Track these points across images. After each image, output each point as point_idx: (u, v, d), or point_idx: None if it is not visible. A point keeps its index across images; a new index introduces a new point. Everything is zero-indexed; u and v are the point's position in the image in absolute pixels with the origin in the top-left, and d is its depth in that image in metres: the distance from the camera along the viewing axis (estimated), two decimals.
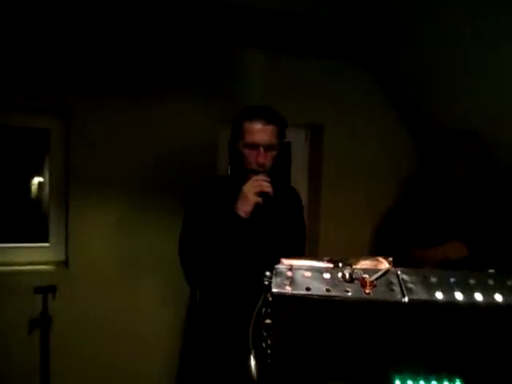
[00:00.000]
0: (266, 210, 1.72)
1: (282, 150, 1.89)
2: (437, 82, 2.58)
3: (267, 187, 1.67)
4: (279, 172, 1.90)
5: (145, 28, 2.39)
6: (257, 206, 1.67)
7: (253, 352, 1.08)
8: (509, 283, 0.95)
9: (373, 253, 2.78)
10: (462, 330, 0.93)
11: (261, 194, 1.66)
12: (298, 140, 3.04)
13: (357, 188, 2.90)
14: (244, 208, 1.65)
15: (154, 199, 2.45)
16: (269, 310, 1.00)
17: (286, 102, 2.53)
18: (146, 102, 2.44)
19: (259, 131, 1.72)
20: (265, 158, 1.73)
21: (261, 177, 1.69)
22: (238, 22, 2.56)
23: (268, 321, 1.01)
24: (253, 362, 1.08)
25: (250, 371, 1.09)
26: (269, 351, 1.04)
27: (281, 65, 2.67)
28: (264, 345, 1.05)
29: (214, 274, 1.69)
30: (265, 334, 1.03)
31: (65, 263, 2.43)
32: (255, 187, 1.66)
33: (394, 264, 1.08)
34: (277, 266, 1.02)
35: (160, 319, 2.50)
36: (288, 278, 0.99)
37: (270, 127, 1.73)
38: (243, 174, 1.76)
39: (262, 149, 1.72)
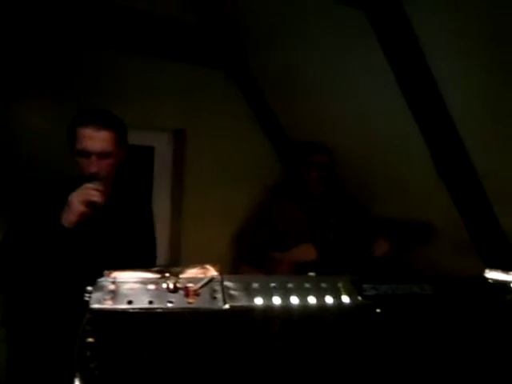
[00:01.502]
0: (100, 220, 1.63)
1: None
2: (293, 94, 2.73)
3: (96, 196, 1.54)
4: (125, 180, 1.82)
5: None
6: (88, 215, 1.55)
7: (78, 375, 1.01)
8: (323, 285, 1.01)
9: (234, 256, 2.87)
10: (280, 332, 0.97)
11: (90, 203, 1.55)
12: (161, 144, 2.99)
13: (219, 192, 2.95)
14: (68, 218, 1.52)
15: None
16: (90, 328, 0.94)
17: (146, 106, 2.48)
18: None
19: (91, 138, 1.60)
20: (98, 167, 1.62)
21: (91, 185, 1.57)
22: (94, 21, 2.45)
23: (91, 339, 0.96)
24: None
25: None
26: (96, 372, 0.99)
27: (138, 67, 2.61)
28: (91, 366, 1.00)
29: (30, 288, 1.56)
30: (89, 353, 0.98)
31: None
32: (82, 196, 1.54)
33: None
34: (98, 280, 0.98)
35: None
36: (110, 291, 0.95)
37: (103, 133, 1.62)
38: (79, 181, 1.62)
39: (94, 157, 1.61)
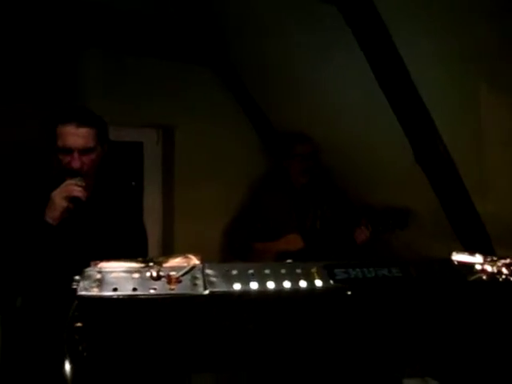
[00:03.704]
0: (84, 214, 1.67)
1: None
2: (275, 86, 2.78)
3: (77, 191, 1.59)
4: (108, 175, 1.87)
5: None
6: (71, 211, 1.60)
7: (67, 356, 1.07)
8: (297, 271, 1.07)
9: (225, 249, 2.94)
10: (257, 315, 1.03)
11: (73, 198, 1.59)
12: (149, 140, 3.05)
13: (209, 187, 3.00)
14: (51, 214, 1.57)
15: None
16: (77, 314, 1.00)
17: (134, 103, 2.53)
18: None
19: (72, 134, 1.65)
20: (79, 162, 1.66)
21: (72, 181, 1.62)
22: (81, 20, 2.48)
23: (79, 324, 1.02)
24: (67, 367, 1.08)
25: (65, 376, 1.08)
26: (85, 354, 1.05)
27: (126, 65, 2.66)
28: (80, 348, 1.06)
29: (19, 283, 1.62)
30: (77, 337, 1.04)
31: None
32: (64, 192, 1.59)
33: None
34: (85, 269, 1.03)
35: None
36: (96, 280, 1.01)
37: (84, 130, 1.66)
38: (62, 177, 1.67)
39: (75, 153, 1.66)
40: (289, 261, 1.16)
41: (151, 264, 1.08)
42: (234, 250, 2.76)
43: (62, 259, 1.60)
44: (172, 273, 1.04)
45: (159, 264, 1.08)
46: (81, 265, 1.17)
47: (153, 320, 1.01)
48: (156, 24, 2.72)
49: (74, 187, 1.60)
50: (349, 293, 1.03)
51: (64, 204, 1.58)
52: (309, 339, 1.06)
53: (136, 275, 1.03)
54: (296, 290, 1.03)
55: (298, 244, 2.43)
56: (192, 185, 2.97)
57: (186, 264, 1.12)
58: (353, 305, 1.05)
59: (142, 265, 1.08)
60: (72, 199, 1.59)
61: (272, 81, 2.81)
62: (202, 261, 1.14)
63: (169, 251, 2.98)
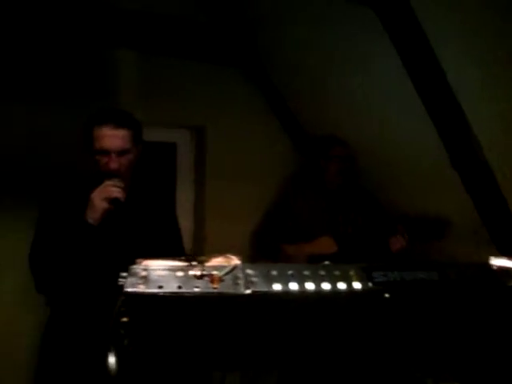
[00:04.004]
0: (123, 214, 1.70)
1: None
2: (305, 87, 2.80)
3: (116, 192, 1.62)
4: (145, 175, 1.90)
5: (15, 29, 2.29)
6: (110, 211, 1.64)
7: (112, 350, 1.12)
8: (336, 273, 1.10)
9: (253, 248, 2.96)
10: (296, 316, 1.06)
11: (112, 199, 1.63)
12: (182, 141, 3.10)
13: (239, 187, 3.03)
14: (92, 215, 1.61)
15: (11, 199, 2.37)
16: (123, 309, 1.05)
17: (167, 104, 2.58)
18: (14, 101, 2.34)
19: (109, 136, 1.68)
20: (117, 164, 1.70)
21: (111, 182, 1.65)
22: (112, 24, 2.56)
23: (125, 319, 1.07)
24: (112, 360, 1.12)
25: (110, 369, 1.13)
26: (130, 348, 1.10)
27: (159, 66, 2.72)
28: (125, 342, 1.11)
29: (64, 282, 1.66)
30: (123, 331, 1.09)
31: None
32: (103, 193, 1.62)
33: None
34: (131, 267, 1.08)
35: (16, 323, 2.41)
36: (142, 277, 1.05)
37: (120, 131, 1.69)
38: (99, 178, 1.71)
39: (113, 155, 1.69)
40: (326, 262, 1.19)
41: (194, 263, 1.12)
42: (262, 249, 2.78)
43: (105, 258, 1.65)
44: (214, 272, 1.07)
45: (201, 263, 1.12)
46: (122, 263, 1.22)
47: (195, 317, 1.05)
48: (188, 26, 2.77)
49: (113, 188, 1.63)
50: (387, 295, 1.05)
51: (104, 205, 1.62)
52: (346, 340, 1.08)
53: (180, 273, 1.07)
54: (335, 291, 1.06)
55: (332, 247, 2.43)
56: (223, 184, 3.01)
57: (226, 264, 1.15)
58: (391, 307, 1.06)
59: (185, 264, 1.13)
60: (112, 200, 1.63)
61: (302, 82, 2.82)
62: (242, 261, 1.18)
63: (200, 249, 3.03)
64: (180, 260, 1.15)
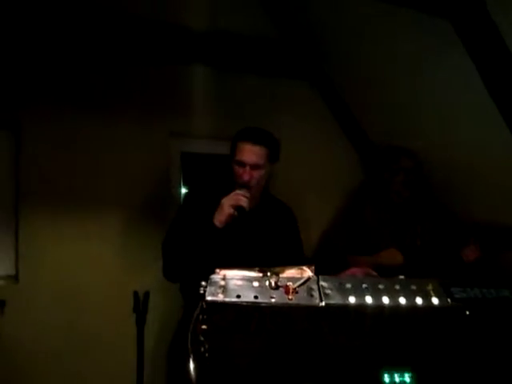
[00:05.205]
0: (246, 222, 1.83)
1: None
2: (372, 98, 2.77)
3: (243, 202, 1.78)
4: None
5: (90, 48, 2.46)
6: (235, 218, 1.78)
7: (191, 356, 1.17)
8: (412, 287, 1.08)
9: (318, 256, 2.95)
10: (371, 330, 1.06)
11: (238, 207, 1.78)
12: None
13: (307, 198, 3.04)
14: (218, 217, 1.78)
15: (104, 211, 2.52)
16: (204, 317, 1.10)
17: (236, 118, 2.65)
18: (97, 119, 2.50)
19: (247, 151, 1.85)
20: (249, 176, 1.85)
21: (240, 191, 1.81)
22: (185, 42, 2.69)
23: (204, 326, 1.12)
24: (191, 366, 1.17)
25: (189, 374, 1.18)
26: (207, 355, 1.14)
27: (228, 81, 2.79)
28: (202, 349, 1.15)
29: (187, 272, 1.81)
30: (202, 338, 1.13)
31: (15, 277, 2.43)
32: (232, 200, 1.78)
33: (324, 271, 1.21)
34: (211, 276, 1.13)
35: (126, 328, 2.52)
36: (221, 286, 1.10)
37: (257, 148, 1.85)
38: (232, 186, 1.87)
39: (248, 167, 1.85)
40: (401, 277, 1.18)
41: (269, 274, 1.15)
42: (328, 260, 2.77)
43: (223, 259, 1.76)
44: (289, 283, 1.10)
45: (276, 274, 1.15)
46: (236, 265, 1.24)
47: (271, 327, 1.08)
48: (255, 42, 2.85)
49: (241, 197, 1.79)
50: (467, 313, 1.02)
51: (230, 211, 1.78)
52: (423, 355, 1.06)
53: (256, 284, 1.11)
54: (413, 306, 1.05)
55: (399, 259, 2.39)
56: (291, 195, 3.03)
57: (300, 275, 1.18)
58: (470, 325, 1.04)
59: (261, 274, 1.16)
60: (237, 207, 1.78)
61: (368, 93, 2.80)
62: (315, 272, 1.19)
63: None
64: (254, 270, 1.19)
